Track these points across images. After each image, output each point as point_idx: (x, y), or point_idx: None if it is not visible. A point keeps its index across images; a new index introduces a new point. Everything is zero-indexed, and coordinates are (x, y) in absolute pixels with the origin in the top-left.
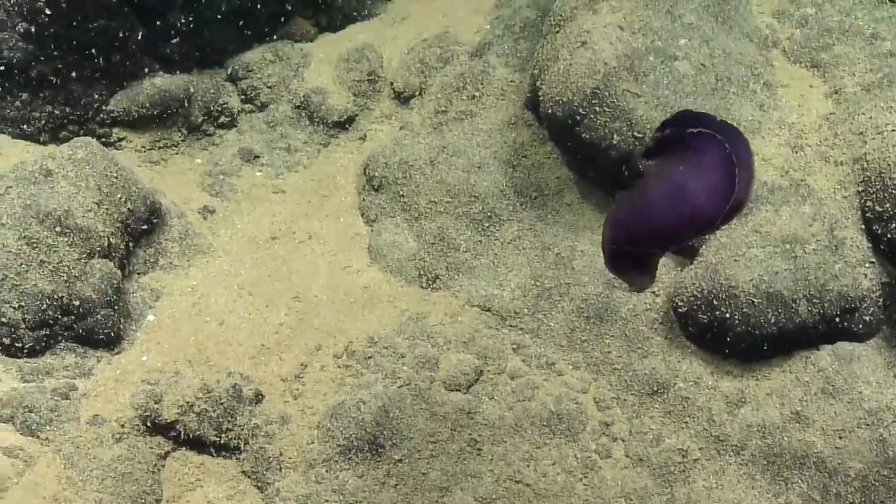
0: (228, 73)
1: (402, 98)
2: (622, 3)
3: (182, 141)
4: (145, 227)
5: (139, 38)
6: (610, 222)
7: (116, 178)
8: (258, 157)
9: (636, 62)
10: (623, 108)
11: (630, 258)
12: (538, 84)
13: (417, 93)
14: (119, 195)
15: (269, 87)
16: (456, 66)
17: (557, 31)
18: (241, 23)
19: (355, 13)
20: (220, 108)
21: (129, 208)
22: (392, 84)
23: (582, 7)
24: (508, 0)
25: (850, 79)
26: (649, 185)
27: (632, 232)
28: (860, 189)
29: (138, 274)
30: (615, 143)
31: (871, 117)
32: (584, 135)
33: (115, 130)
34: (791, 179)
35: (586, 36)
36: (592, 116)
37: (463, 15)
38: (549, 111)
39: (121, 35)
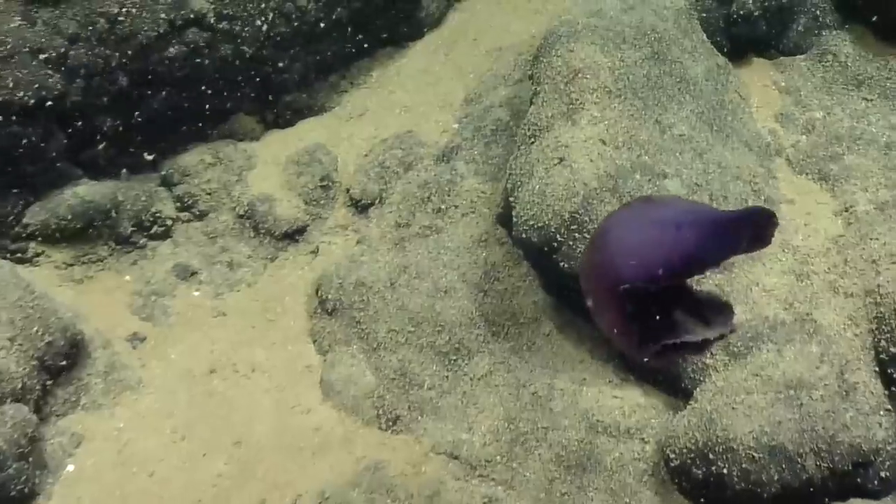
0: (162, 177)
1: (360, 206)
2: (604, 113)
3: (109, 256)
4: (65, 362)
5: (59, 143)
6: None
7: (32, 308)
8: (195, 273)
9: (620, 182)
10: None
11: (646, 313)
12: (511, 202)
13: (377, 201)
14: (35, 328)
15: (209, 194)
16: (420, 173)
17: (532, 143)
18: (176, 122)
19: (306, 108)
20: (152, 218)
21: (46, 342)
22: (348, 190)
23: (559, 116)
24: (479, 96)
25: (863, 195)
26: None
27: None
28: (873, 326)
29: (57, 416)
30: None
31: (885, 243)
32: (562, 263)
33: (32, 246)
34: (796, 314)
35: (564, 151)
36: (571, 244)
37: (427, 111)
38: (524, 236)
39: (37, 141)
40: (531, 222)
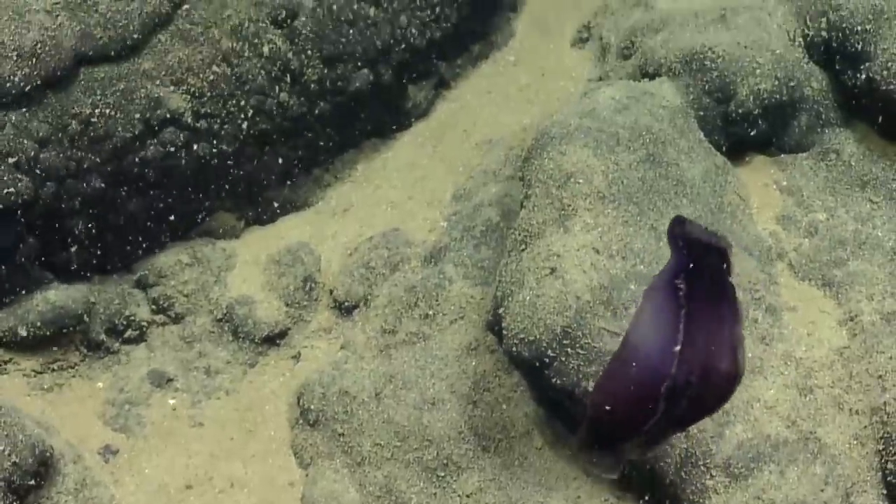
0: (137, 278)
1: (344, 309)
2: (598, 220)
3: (80, 362)
4: (33, 481)
5: (29, 247)
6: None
7: None
8: (171, 380)
9: (614, 293)
10: (599, 350)
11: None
12: (501, 312)
13: (361, 303)
14: (1, 448)
15: (186, 296)
16: (407, 275)
17: (523, 249)
18: (152, 222)
19: (288, 204)
20: (126, 322)
21: (13, 462)
22: (332, 292)
23: (551, 222)
24: (468, 192)
25: (868, 304)
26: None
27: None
28: (880, 446)
29: None
30: (590, 390)
31: (891, 357)
32: (554, 380)
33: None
34: (799, 432)
35: (556, 261)
36: (563, 359)
37: (415, 207)
38: (514, 350)
39: (6, 247)
40: (521, 336)
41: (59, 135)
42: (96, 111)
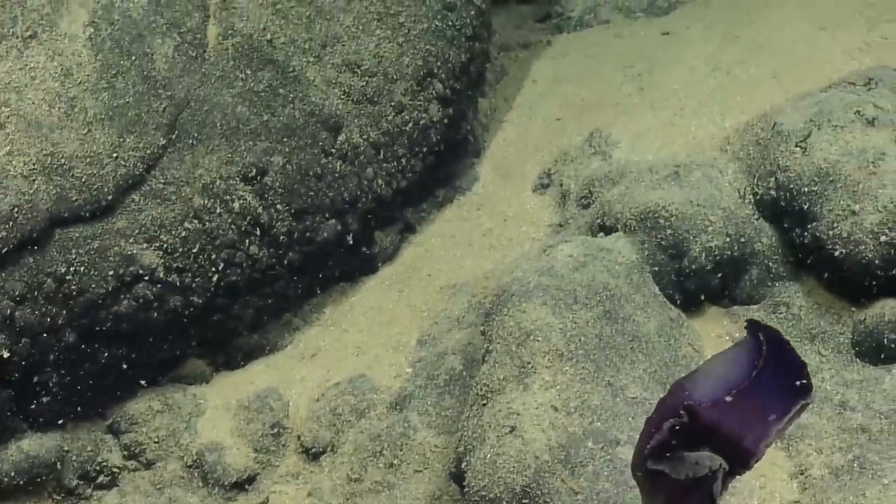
0: (109, 424)
1: (311, 454)
2: (556, 378)
3: None
4: None
5: (3, 399)
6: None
7: None
8: None
9: (572, 451)
10: None
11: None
12: (463, 467)
13: (328, 448)
14: None
15: (156, 442)
16: (373, 422)
17: (485, 405)
18: (124, 372)
19: (257, 348)
20: (98, 468)
21: None
22: (299, 437)
23: (511, 379)
24: (433, 338)
25: (817, 457)
26: None
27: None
28: None
29: None
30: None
31: None
32: None
33: None
34: None
35: (515, 419)
36: None
37: (381, 352)
38: None
39: None
40: (483, 493)
41: (35, 293)
42: (71, 269)
